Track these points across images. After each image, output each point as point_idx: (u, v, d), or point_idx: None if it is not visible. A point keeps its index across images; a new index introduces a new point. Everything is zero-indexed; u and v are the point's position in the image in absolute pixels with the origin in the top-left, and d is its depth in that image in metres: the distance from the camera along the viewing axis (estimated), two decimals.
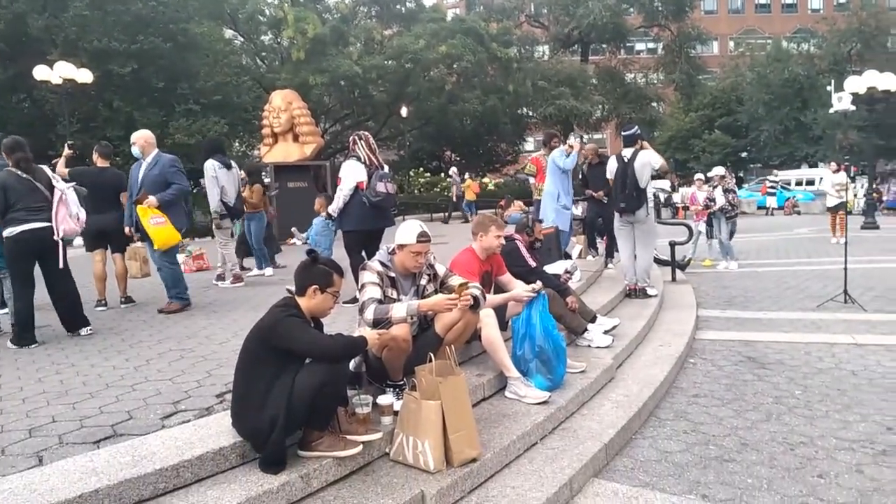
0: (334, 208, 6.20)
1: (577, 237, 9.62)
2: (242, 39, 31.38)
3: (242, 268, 8.99)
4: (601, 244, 9.72)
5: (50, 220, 5.23)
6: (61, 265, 5.28)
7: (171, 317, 6.17)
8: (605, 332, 5.42)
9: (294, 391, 2.82)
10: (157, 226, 6.12)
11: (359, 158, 6.05)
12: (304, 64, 26.38)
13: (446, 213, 24.08)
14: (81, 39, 19.39)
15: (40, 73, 15.17)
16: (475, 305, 3.72)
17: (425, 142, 36.84)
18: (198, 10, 24.75)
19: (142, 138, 6.50)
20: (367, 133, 6.38)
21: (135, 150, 6.46)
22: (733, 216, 11.41)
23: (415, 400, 3.14)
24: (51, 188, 5.30)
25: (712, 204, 11.35)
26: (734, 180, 13.25)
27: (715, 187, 11.50)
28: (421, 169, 33.96)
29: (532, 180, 9.19)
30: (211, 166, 7.75)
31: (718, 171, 11.76)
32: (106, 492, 2.51)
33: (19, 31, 19.08)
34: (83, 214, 5.51)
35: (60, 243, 5.25)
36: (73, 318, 5.49)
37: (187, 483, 2.73)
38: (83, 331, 5.46)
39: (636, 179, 7.06)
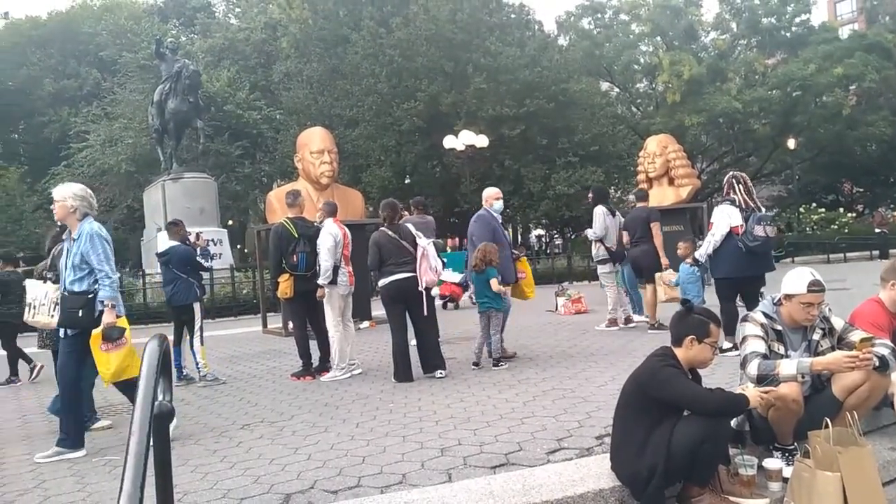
0: (702, 253, 6.09)
1: None
2: (618, 90, 32.44)
3: None
4: None
5: (414, 271, 6.07)
6: (426, 313, 6.07)
7: (554, 357, 6.64)
8: None
9: (672, 442, 2.83)
10: None
11: (733, 202, 5.89)
12: (680, 106, 26.13)
13: None
14: (479, 110, 22.33)
15: (448, 142, 18.04)
16: (883, 366, 3.22)
17: (818, 174, 32.94)
18: (577, 70, 26.48)
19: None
20: (744, 175, 6.22)
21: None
22: None
23: (808, 469, 2.85)
24: (414, 244, 6.17)
25: None
26: None
27: None
28: (814, 204, 30.33)
29: None
30: (600, 212, 8.30)
31: None
32: None
33: (433, 109, 22.91)
34: (440, 266, 6.31)
35: (424, 293, 6.03)
36: (428, 360, 6.15)
37: None
38: (437, 373, 5.99)
39: None
